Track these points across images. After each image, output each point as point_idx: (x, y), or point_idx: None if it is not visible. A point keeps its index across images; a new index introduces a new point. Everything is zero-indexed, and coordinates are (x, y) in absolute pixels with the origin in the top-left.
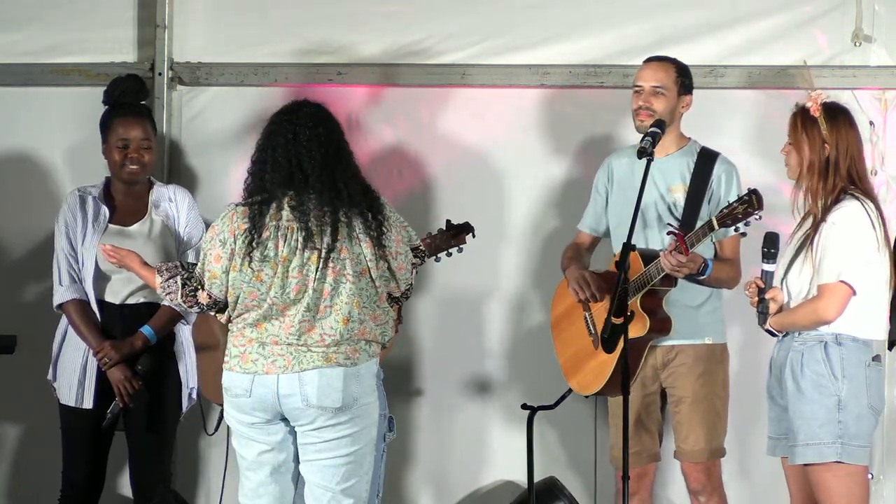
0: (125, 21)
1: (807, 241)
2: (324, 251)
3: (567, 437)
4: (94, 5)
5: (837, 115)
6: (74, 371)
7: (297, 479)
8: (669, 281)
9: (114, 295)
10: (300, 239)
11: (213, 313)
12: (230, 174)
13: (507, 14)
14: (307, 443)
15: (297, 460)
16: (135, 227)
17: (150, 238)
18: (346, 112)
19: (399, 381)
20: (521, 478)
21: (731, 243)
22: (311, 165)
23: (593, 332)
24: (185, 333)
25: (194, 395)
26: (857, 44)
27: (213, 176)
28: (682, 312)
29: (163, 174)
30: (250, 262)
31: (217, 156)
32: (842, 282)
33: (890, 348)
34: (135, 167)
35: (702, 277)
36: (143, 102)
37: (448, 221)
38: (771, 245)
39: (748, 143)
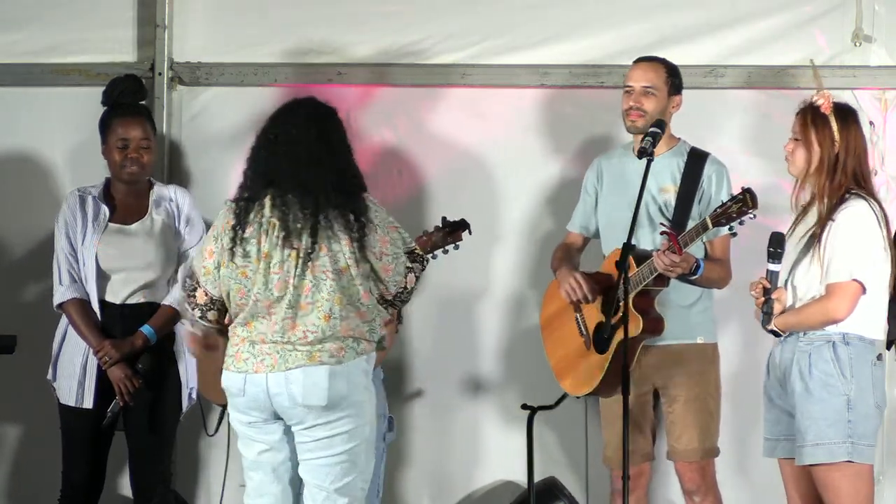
0: (125, 21)
1: (814, 241)
2: (302, 249)
3: (565, 438)
4: (94, 5)
5: (847, 114)
6: (74, 371)
7: (300, 480)
8: (662, 281)
9: (114, 294)
10: (280, 236)
11: (211, 319)
12: (230, 174)
13: (507, 14)
14: (301, 442)
15: (296, 460)
16: (135, 225)
17: (150, 237)
18: (346, 112)
19: (399, 382)
20: (520, 478)
21: (721, 243)
22: (294, 164)
23: (585, 332)
24: (185, 334)
25: (194, 395)
26: (857, 44)
27: (213, 176)
28: (674, 312)
29: (163, 174)
30: (234, 257)
31: (217, 156)
32: (854, 280)
33: (888, 347)
34: (134, 167)
35: (694, 277)
36: (142, 102)
37: (444, 218)
38: (777, 245)
39: (748, 142)
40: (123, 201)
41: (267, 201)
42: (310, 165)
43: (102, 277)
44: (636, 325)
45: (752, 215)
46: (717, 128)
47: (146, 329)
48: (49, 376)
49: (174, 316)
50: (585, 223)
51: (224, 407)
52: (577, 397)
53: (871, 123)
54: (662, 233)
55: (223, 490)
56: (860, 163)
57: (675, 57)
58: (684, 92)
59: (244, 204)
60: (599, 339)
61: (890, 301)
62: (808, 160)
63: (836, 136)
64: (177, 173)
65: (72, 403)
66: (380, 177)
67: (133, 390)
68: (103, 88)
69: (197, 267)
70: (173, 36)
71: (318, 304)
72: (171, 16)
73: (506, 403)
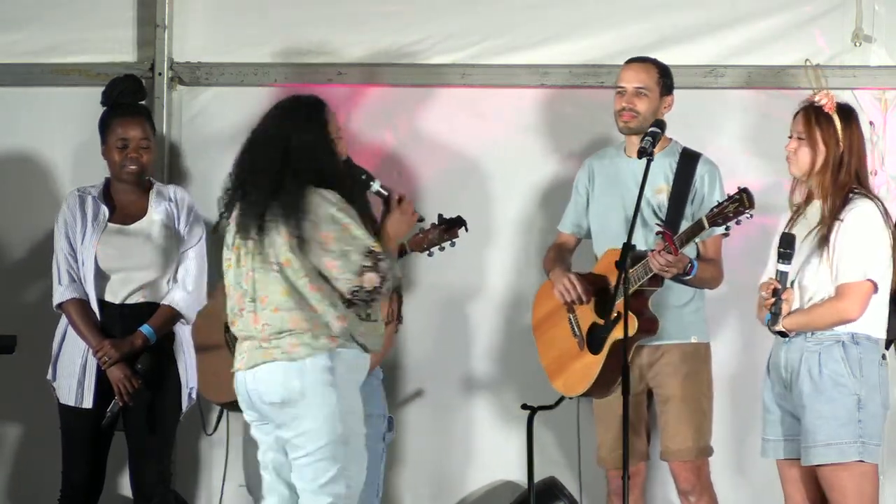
0: (125, 21)
1: (821, 241)
2: (251, 243)
3: (563, 438)
4: (94, 5)
5: (849, 114)
6: (74, 371)
7: None
8: (656, 281)
9: (113, 294)
10: (237, 230)
11: None
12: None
13: (507, 14)
14: (283, 440)
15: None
16: (135, 226)
17: (150, 237)
18: (346, 112)
19: (398, 382)
20: (519, 478)
21: (714, 243)
22: (253, 159)
23: (578, 333)
24: (184, 333)
25: (194, 395)
26: (857, 44)
27: (213, 176)
28: (667, 312)
29: (163, 174)
30: (222, 249)
31: (217, 156)
32: (868, 280)
33: (887, 347)
34: (134, 167)
35: (687, 278)
36: (141, 102)
37: (440, 216)
38: (787, 245)
39: (748, 142)
40: (123, 201)
41: (237, 198)
42: (265, 159)
43: (102, 277)
44: (632, 326)
45: (749, 215)
46: (716, 128)
47: (146, 329)
48: (49, 376)
49: (174, 316)
50: (577, 223)
51: (223, 406)
52: (570, 398)
53: (871, 123)
54: (658, 233)
55: (223, 490)
56: (861, 162)
57: (675, 57)
58: (685, 92)
59: (226, 199)
60: (593, 340)
61: (889, 300)
62: (813, 160)
63: (840, 135)
64: (176, 173)
65: (71, 403)
66: (379, 177)
67: (132, 390)
68: (103, 88)
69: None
70: (173, 36)
71: (271, 297)
72: (171, 16)
73: (505, 403)
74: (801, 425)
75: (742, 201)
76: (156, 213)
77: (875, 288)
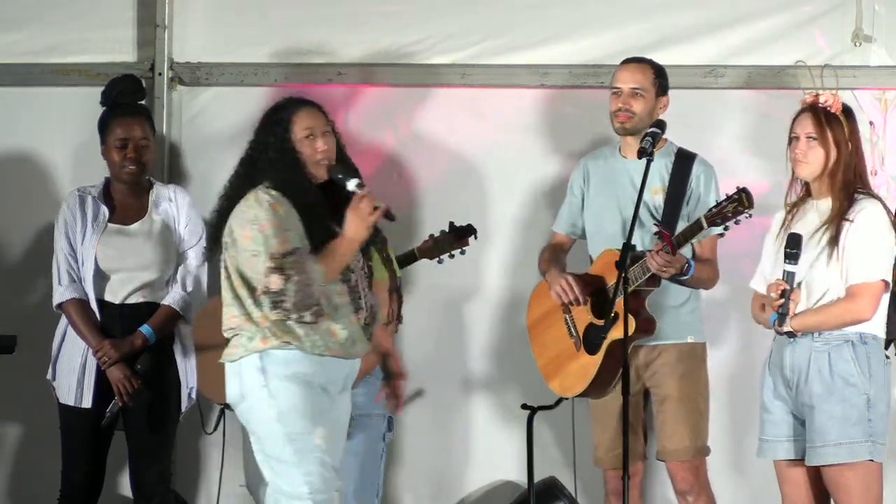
0: (125, 21)
1: (832, 242)
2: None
3: (563, 438)
4: (94, 5)
5: (850, 114)
6: (74, 370)
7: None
8: (654, 281)
9: (113, 294)
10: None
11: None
12: (230, 174)
13: (507, 14)
14: None
15: None
16: (135, 226)
17: (149, 237)
18: (346, 112)
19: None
20: (520, 478)
21: (709, 243)
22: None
23: (575, 334)
24: (184, 333)
25: (194, 395)
26: (857, 44)
27: (213, 176)
28: (664, 312)
29: (163, 174)
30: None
31: (217, 156)
32: (881, 280)
33: (887, 346)
34: (133, 167)
35: (684, 278)
36: (141, 102)
37: (451, 224)
38: (795, 246)
39: (748, 142)
40: (123, 201)
41: None
42: (238, 163)
43: (102, 277)
44: (630, 326)
45: (748, 215)
46: (716, 128)
47: (145, 329)
48: (49, 376)
49: (174, 316)
50: (572, 224)
51: (223, 406)
52: (567, 398)
53: (871, 123)
54: (656, 233)
55: (219, 490)
56: (863, 162)
57: (675, 57)
58: (684, 92)
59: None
60: (590, 341)
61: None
62: (826, 160)
63: (848, 135)
64: (176, 173)
65: (71, 403)
66: (378, 177)
67: (132, 391)
68: (103, 88)
69: None
70: (173, 36)
71: (224, 297)
72: (171, 16)
73: (505, 403)
74: (805, 425)
75: (741, 201)
76: (156, 213)
77: (886, 287)
